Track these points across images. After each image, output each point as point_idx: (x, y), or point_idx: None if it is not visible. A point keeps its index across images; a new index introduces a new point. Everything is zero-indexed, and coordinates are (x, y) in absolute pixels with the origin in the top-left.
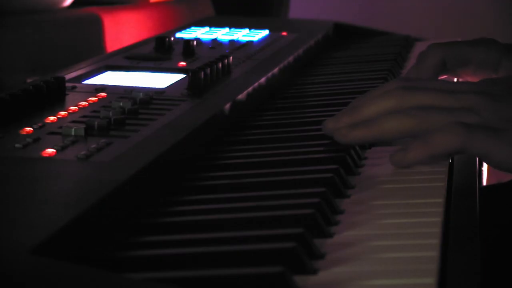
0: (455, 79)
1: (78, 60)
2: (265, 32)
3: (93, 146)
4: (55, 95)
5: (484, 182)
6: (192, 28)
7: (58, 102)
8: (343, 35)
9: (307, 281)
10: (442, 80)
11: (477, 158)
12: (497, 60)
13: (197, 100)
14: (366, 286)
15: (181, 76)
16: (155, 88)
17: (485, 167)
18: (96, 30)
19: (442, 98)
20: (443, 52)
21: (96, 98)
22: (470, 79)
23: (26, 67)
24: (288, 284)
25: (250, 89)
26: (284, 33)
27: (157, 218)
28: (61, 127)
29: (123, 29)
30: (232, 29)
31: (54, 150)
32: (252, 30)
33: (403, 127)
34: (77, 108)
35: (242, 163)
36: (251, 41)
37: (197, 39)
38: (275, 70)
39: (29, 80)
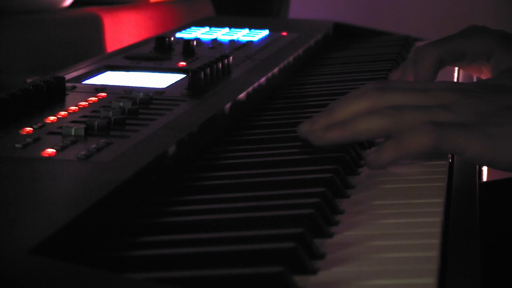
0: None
1: (78, 60)
2: (265, 32)
3: (93, 146)
4: (55, 95)
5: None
6: (192, 28)
7: (58, 102)
8: (343, 35)
9: (307, 281)
10: (416, 81)
11: None
12: (490, 49)
13: (197, 100)
14: (366, 286)
15: (181, 76)
16: (155, 88)
17: (485, 166)
18: (96, 30)
19: (415, 97)
20: (439, 50)
21: (96, 98)
22: (465, 70)
23: (26, 67)
24: (288, 284)
25: (250, 89)
26: (284, 33)
27: (157, 218)
28: (61, 127)
29: (123, 29)
30: (232, 29)
31: (54, 150)
32: (252, 30)
33: (377, 126)
34: (77, 108)
35: (242, 163)
36: (251, 41)
37: (197, 39)
38: (275, 70)
39: (29, 80)
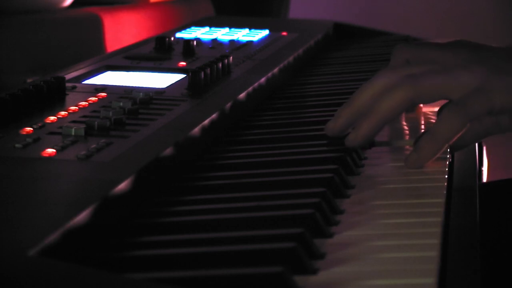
0: None
1: (78, 60)
2: (265, 32)
3: (93, 146)
4: (55, 95)
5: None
6: (192, 28)
7: (58, 102)
8: (343, 35)
9: (307, 281)
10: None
11: (477, 158)
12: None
13: (197, 100)
14: (366, 286)
15: (181, 76)
16: (155, 88)
17: (485, 167)
18: (96, 30)
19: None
20: (408, 53)
21: (96, 98)
22: None
23: (26, 67)
24: (288, 284)
25: (250, 89)
26: (284, 33)
27: (157, 218)
28: (61, 127)
29: (123, 29)
30: (232, 29)
31: (54, 150)
32: (252, 30)
33: (399, 99)
34: (77, 108)
35: (242, 163)
36: (251, 41)
37: (197, 39)
38: (275, 70)
39: (29, 80)
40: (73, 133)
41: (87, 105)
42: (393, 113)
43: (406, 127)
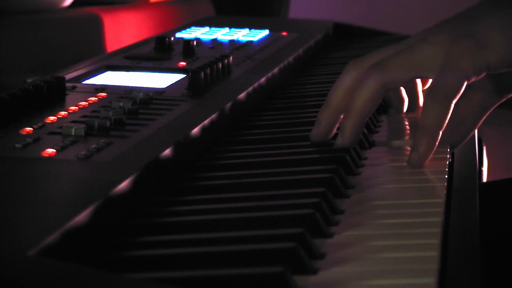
0: None
1: (78, 60)
2: (265, 32)
3: (93, 146)
4: (55, 95)
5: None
6: (192, 28)
7: (58, 102)
8: (343, 35)
9: (307, 281)
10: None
11: (477, 158)
12: None
13: (197, 100)
14: (366, 286)
15: (181, 76)
16: (155, 88)
17: (485, 167)
18: (96, 30)
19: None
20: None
21: (96, 98)
22: None
23: (26, 67)
24: (288, 284)
25: (250, 89)
26: (284, 33)
27: (157, 218)
28: (61, 127)
29: (123, 29)
30: (232, 29)
31: (54, 150)
32: (252, 30)
33: (372, 90)
34: (77, 108)
35: (242, 163)
36: (251, 41)
37: (197, 39)
38: (275, 70)
39: (29, 80)
40: (73, 133)
41: (87, 105)
42: (371, 105)
43: (406, 127)
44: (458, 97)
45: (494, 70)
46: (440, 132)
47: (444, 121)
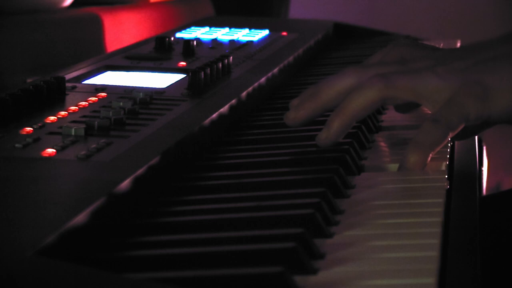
0: None
1: (78, 60)
2: (265, 32)
3: (93, 146)
4: (55, 95)
5: (484, 182)
6: (192, 28)
7: (58, 102)
8: (343, 35)
9: (307, 281)
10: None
11: (477, 158)
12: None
13: (197, 100)
14: (366, 286)
15: (181, 76)
16: (155, 88)
17: (485, 167)
18: (96, 30)
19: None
20: (405, 51)
21: (96, 98)
22: None
23: (26, 67)
24: (288, 284)
25: (250, 89)
26: (284, 33)
27: (157, 218)
28: (61, 127)
29: (123, 29)
30: (232, 29)
31: (54, 150)
32: (252, 30)
33: (370, 97)
34: (77, 108)
35: (242, 163)
36: (251, 41)
37: (197, 39)
38: (275, 70)
39: (29, 80)
40: (73, 133)
41: (87, 105)
42: (365, 111)
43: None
44: (456, 132)
45: (493, 121)
46: (430, 155)
47: (438, 147)
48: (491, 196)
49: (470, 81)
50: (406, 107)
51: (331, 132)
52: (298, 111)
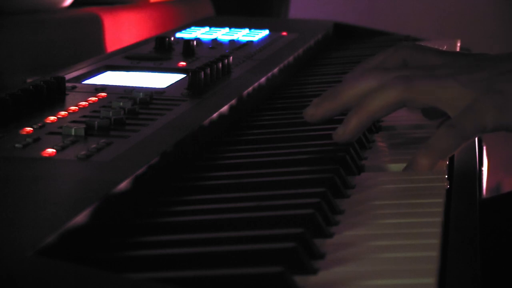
0: None
1: (78, 60)
2: (265, 32)
3: (93, 146)
4: (55, 95)
5: (484, 182)
6: (192, 28)
7: (58, 102)
8: (343, 35)
9: (307, 281)
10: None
11: (477, 158)
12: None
13: (197, 100)
14: (366, 286)
15: (181, 76)
16: (155, 88)
17: (485, 167)
18: (96, 30)
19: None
20: (407, 54)
21: (96, 98)
22: None
23: (26, 67)
24: (288, 284)
25: (250, 89)
26: (284, 33)
27: (157, 218)
28: (61, 127)
29: (123, 29)
30: (232, 29)
31: (54, 150)
32: (252, 30)
33: (392, 99)
34: (77, 108)
35: (242, 163)
36: (251, 41)
37: (197, 39)
38: (275, 70)
39: (29, 80)
40: (73, 133)
41: (87, 105)
42: (383, 112)
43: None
44: (470, 141)
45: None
46: (439, 160)
47: (449, 154)
48: (491, 199)
49: (492, 90)
50: (433, 113)
51: (348, 129)
52: (317, 109)
